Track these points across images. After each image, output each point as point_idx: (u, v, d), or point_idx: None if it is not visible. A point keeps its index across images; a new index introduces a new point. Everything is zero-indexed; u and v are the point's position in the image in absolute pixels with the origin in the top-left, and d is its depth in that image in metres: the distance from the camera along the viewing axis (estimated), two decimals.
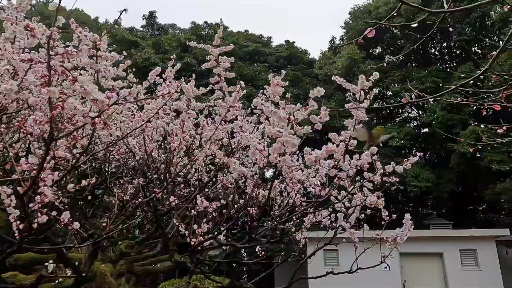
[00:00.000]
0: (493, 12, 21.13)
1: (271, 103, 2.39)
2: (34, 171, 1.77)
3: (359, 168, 3.83)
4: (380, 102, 26.84)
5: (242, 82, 3.56)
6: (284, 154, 2.26)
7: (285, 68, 24.90)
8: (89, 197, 5.90)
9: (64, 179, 3.44)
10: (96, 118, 1.55)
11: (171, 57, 4.92)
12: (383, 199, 4.49)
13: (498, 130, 4.41)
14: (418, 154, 3.76)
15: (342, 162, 3.25)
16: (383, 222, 4.53)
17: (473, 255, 15.23)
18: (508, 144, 4.85)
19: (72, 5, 35.14)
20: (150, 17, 27.28)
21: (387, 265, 13.86)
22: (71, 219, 2.64)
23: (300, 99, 22.59)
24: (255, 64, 25.37)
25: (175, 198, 3.53)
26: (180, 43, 22.96)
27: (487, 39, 18.69)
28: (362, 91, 3.18)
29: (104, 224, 4.36)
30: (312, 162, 2.44)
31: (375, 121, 26.03)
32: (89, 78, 1.34)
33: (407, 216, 3.91)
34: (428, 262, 15.51)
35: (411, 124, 25.52)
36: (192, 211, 3.63)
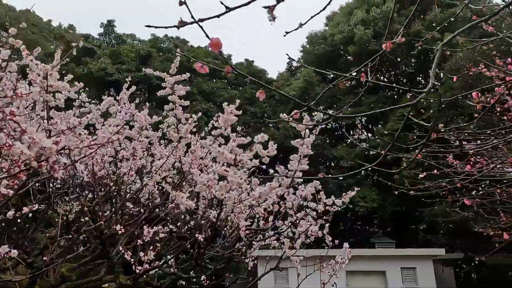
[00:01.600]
0: (435, 47, 23.05)
1: (218, 142, 2.53)
2: None
3: (304, 198, 4.07)
4: (333, 124, 28.05)
5: (194, 116, 3.68)
6: (229, 191, 2.41)
7: (243, 86, 25.34)
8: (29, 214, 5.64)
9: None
10: (43, 162, 1.60)
11: (127, 79, 4.93)
12: (328, 224, 4.79)
13: None
14: (356, 189, 4.05)
15: (286, 194, 3.45)
16: (326, 246, 4.83)
17: (413, 273, 16.18)
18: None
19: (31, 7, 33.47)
20: (108, 26, 26.64)
21: (334, 283, 14.31)
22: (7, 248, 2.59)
23: (258, 117, 23.04)
24: (214, 80, 25.57)
25: (121, 227, 3.52)
26: (138, 54, 22.60)
27: (428, 72, 20.37)
28: (306, 128, 3.42)
29: (47, 247, 4.21)
30: (256, 198, 2.60)
31: (327, 141, 27.05)
32: (35, 129, 1.40)
33: (346, 245, 4.19)
34: (373, 280, 16.23)
35: (361, 146, 26.88)
36: (139, 240, 3.64)
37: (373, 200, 19.08)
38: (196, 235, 3.50)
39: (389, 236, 21.51)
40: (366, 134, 27.57)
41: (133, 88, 5.52)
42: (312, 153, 3.72)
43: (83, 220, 4.77)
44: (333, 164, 26.47)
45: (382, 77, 28.78)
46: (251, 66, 26.17)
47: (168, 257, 3.76)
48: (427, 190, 5.55)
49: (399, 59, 26.44)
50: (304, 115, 3.39)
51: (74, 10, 55.50)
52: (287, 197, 3.46)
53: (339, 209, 4.42)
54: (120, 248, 3.73)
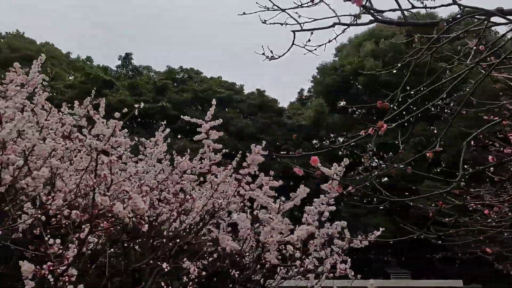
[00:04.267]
0: (445, 76, 23.56)
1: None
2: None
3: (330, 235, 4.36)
4: (344, 151, 28.32)
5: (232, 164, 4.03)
6: (272, 236, 2.72)
7: (256, 115, 25.90)
8: None
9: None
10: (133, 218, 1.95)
11: (160, 129, 5.41)
12: (349, 260, 5.05)
13: None
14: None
15: (317, 233, 3.74)
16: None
17: None
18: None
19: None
20: (126, 58, 27.80)
21: None
22: None
23: (271, 147, 23.43)
24: (226, 110, 26.21)
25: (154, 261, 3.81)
26: (155, 85, 23.46)
27: (440, 101, 20.71)
28: (334, 173, 3.73)
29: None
30: (295, 241, 2.91)
31: (343, 167, 27.10)
32: (137, 195, 1.77)
33: (371, 281, 4.41)
34: None
35: (372, 174, 26.91)
36: (184, 277, 3.92)
37: (388, 229, 18.99)
38: (233, 272, 3.78)
39: (404, 266, 21.20)
40: (377, 161, 27.75)
41: (168, 130, 5.98)
42: (338, 194, 4.03)
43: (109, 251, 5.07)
44: (344, 193, 26.45)
45: (391, 105, 29.23)
46: (263, 96, 26.83)
47: None
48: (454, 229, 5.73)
49: (408, 88, 26.98)
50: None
51: (89, 43, 57.84)
52: (316, 236, 3.75)
53: (363, 246, 4.68)
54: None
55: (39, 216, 2.46)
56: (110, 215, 1.95)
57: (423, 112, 26.30)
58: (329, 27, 2.29)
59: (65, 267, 2.02)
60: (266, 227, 2.68)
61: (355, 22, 2.11)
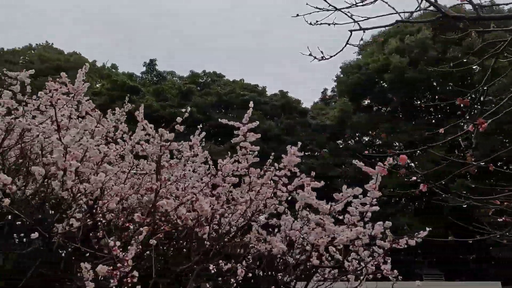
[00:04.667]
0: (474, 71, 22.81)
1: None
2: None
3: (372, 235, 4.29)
4: (370, 150, 27.85)
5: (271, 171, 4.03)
6: (322, 237, 2.71)
7: (279, 117, 25.88)
8: None
9: None
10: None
11: (196, 133, 5.50)
12: (389, 260, 4.96)
13: None
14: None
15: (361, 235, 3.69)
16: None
17: None
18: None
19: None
20: (150, 64, 28.40)
21: None
22: None
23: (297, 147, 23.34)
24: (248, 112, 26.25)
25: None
26: (180, 90, 23.84)
27: (469, 96, 20.06)
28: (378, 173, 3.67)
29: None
30: (344, 242, 2.89)
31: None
32: (204, 199, 1.81)
33: (418, 282, 4.32)
34: None
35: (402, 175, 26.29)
36: (232, 279, 3.96)
37: (419, 229, 18.51)
38: (280, 274, 3.79)
39: (435, 267, 20.59)
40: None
41: (204, 133, 6.07)
42: (380, 194, 3.98)
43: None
44: None
45: (418, 102, 28.55)
46: (286, 97, 26.78)
47: None
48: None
49: (435, 83, 26.24)
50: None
51: (113, 51, 59.38)
52: (361, 237, 3.70)
53: (405, 246, 4.59)
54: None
55: (99, 218, 2.55)
56: (168, 218, 2.00)
57: (451, 109, 25.57)
58: (391, 24, 2.27)
59: (129, 268, 2.08)
60: (317, 229, 2.68)
61: (417, 18, 2.08)
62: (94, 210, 2.58)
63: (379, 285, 5.13)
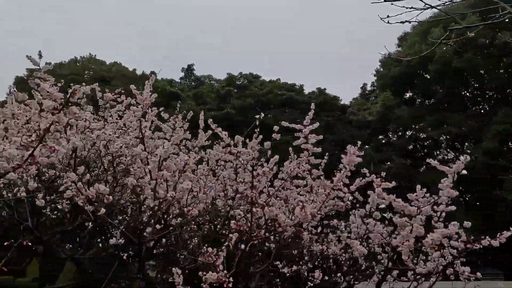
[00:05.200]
0: None
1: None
2: None
3: None
4: (414, 145, 26.82)
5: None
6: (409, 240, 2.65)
7: (318, 114, 25.60)
8: None
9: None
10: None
11: (254, 136, 5.55)
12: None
13: None
14: None
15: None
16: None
17: None
18: None
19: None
20: (188, 70, 29.10)
21: None
22: None
23: (337, 146, 22.98)
24: (287, 111, 26.21)
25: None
26: (218, 93, 24.24)
27: None
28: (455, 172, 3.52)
29: None
30: (429, 245, 2.80)
31: (409, 162, 25.83)
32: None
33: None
34: None
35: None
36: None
37: (473, 226, 17.62)
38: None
39: (490, 266, 19.47)
40: (453, 153, 25.83)
41: (260, 137, 6.11)
42: (457, 193, 3.81)
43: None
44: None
45: (465, 92, 27.13)
46: (324, 94, 26.45)
47: None
48: None
49: (481, 71, 24.82)
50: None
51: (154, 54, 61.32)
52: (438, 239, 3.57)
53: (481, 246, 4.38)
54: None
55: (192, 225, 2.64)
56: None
57: (502, 98, 24.06)
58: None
59: (226, 275, 2.15)
60: (403, 231, 2.62)
61: None
62: (183, 217, 2.69)
63: (450, 285, 4.96)
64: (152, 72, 30.67)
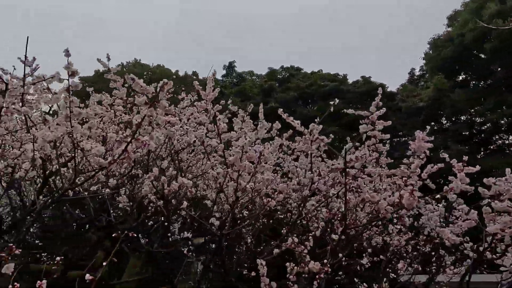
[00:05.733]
0: None
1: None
2: None
3: None
4: (471, 130, 25.15)
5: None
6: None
7: (365, 103, 24.81)
8: None
9: None
10: None
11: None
12: None
13: None
14: None
15: None
16: None
17: None
18: None
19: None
20: (230, 67, 29.37)
21: None
22: None
23: (386, 133, 22.15)
24: (331, 102, 25.60)
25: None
26: (261, 88, 24.25)
27: None
28: None
29: None
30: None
31: (466, 149, 24.29)
32: None
33: None
34: None
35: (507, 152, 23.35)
36: None
37: None
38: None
39: None
40: None
41: (321, 126, 5.98)
42: None
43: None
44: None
45: None
46: (370, 82, 25.57)
47: None
48: None
49: None
50: None
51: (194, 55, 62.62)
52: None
53: None
54: None
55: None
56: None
57: None
58: None
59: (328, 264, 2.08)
60: (504, 217, 2.40)
61: None
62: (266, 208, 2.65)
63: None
64: (194, 72, 30.80)
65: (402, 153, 17.54)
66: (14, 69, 3.18)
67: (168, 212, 4.01)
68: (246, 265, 5.29)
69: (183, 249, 6.59)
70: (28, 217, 4.06)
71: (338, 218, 2.29)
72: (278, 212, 5.27)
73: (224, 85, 28.20)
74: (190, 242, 5.52)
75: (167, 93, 6.02)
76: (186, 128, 3.40)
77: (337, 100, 4.21)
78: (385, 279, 3.16)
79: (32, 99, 2.95)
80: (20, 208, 5.34)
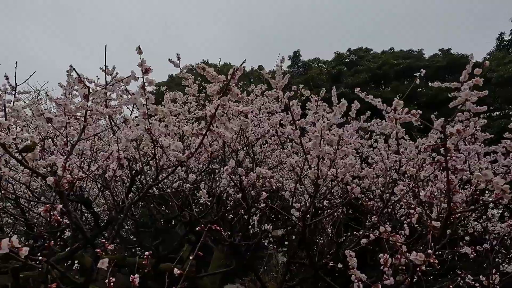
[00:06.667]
0: None
1: None
2: None
3: None
4: None
5: None
6: None
7: (445, 78, 22.66)
8: None
9: None
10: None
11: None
12: None
13: None
14: None
15: None
16: None
17: None
18: None
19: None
20: (295, 57, 28.96)
21: None
22: None
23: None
24: (405, 81, 23.87)
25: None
26: (330, 74, 23.51)
27: None
28: None
29: None
30: None
31: None
32: None
33: None
34: None
35: None
36: None
37: None
38: None
39: None
40: None
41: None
42: None
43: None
44: None
45: None
46: (450, 54, 23.23)
47: None
48: None
49: None
50: None
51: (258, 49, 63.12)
52: None
53: None
54: None
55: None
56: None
57: None
58: None
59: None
60: None
61: None
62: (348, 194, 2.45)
63: None
64: (260, 66, 31.09)
65: (497, 128, 15.66)
66: (98, 78, 3.40)
67: (248, 204, 3.99)
68: (328, 256, 5.11)
69: (263, 241, 6.62)
70: (121, 215, 4.38)
71: (437, 202, 2.01)
72: (360, 201, 4.98)
73: (291, 75, 27.95)
74: (269, 234, 5.49)
75: (237, 85, 6.07)
76: (259, 117, 3.31)
77: (423, 71, 3.75)
78: (494, 270, 2.73)
79: (115, 105, 3.11)
80: (114, 206, 5.82)
